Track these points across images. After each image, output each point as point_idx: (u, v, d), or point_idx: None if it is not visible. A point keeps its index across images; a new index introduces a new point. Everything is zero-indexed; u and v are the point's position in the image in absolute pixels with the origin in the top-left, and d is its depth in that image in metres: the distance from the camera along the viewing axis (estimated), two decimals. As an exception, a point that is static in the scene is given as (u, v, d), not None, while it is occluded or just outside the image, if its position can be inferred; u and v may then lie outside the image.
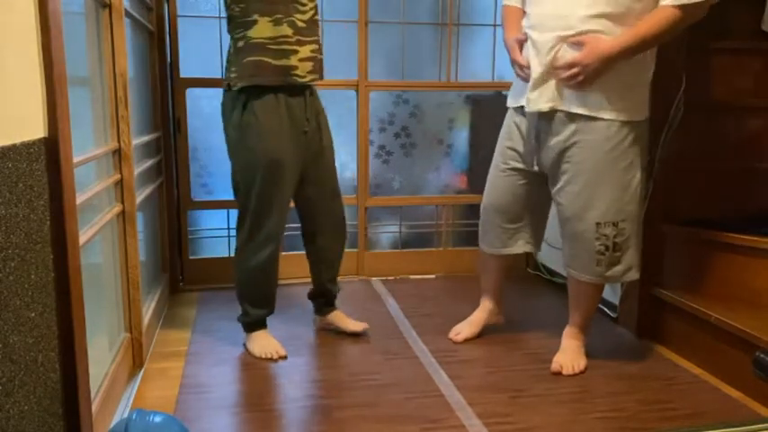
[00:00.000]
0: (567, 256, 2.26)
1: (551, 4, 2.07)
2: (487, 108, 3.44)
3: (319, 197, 2.39)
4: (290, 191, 2.29)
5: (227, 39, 3.10)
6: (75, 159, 1.48)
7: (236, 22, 2.15)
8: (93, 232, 1.74)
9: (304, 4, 2.15)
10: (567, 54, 2.04)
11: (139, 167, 2.36)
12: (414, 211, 3.48)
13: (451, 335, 2.52)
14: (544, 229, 2.46)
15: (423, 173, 3.45)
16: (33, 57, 1.25)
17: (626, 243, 2.15)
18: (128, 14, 2.19)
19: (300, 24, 2.14)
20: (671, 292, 2.44)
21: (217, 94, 3.12)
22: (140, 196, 2.32)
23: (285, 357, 2.33)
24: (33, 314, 1.22)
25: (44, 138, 1.28)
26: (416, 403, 2.02)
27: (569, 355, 2.27)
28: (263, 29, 2.10)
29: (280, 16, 2.10)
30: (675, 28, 2.00)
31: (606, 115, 2.07)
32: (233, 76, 2.16)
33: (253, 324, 2.40)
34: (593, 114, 2.07)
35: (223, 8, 2.24)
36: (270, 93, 2.16)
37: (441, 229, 3.48)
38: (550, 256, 3.09)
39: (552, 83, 2.09)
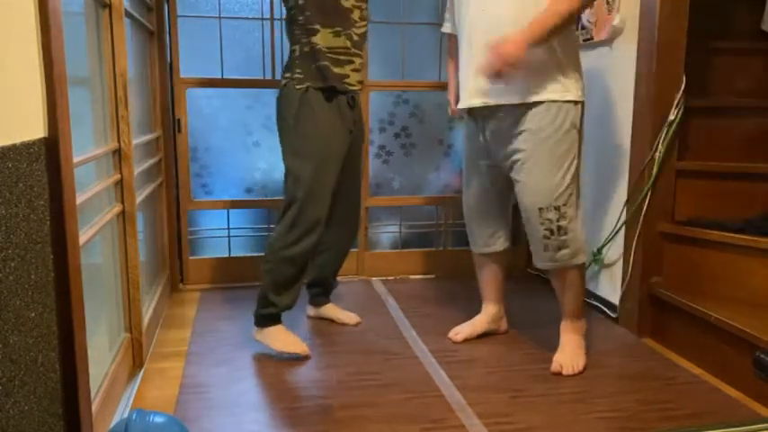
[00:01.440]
0: (531, 248, 2.29)
1: (474, 9, 2.17)
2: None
3: (345, 190, 2.49)
4: (334, 182, 2.36)
5: (227, 39, 3.12)
6: (75, 159, 1.49)
7: (301, 29, 2.27)
8: (93, 232, 1.74)
9: (358, 21, 2.33)
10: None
11: (139, 167, 2.36)
12: (414, 211, 3.48)
13: (451, 334, 2.52)
14: (517, 225, 2.48)
15: (423, 173, 3.45)
16: (33, 57, 1.25)
17: (570, 225, 2.18)
18: (128, 14, 2.20)
19: (356, 38, 2.33)
20: (671, 292, 2.44)
21: (217, 94, 3.15)
22: (140, 196, 2.32)
23: (309, 357, 2.36)
24: (33, 314, 1.22)
25: (44, 138, 1.28)
26: (416, 403, 2.02)
27: (569, 353, 2.27)
28: (325, 38, 2.26)
29: (339, 29, 2.28)
30: (577, 6, 2.04)
31: (538, 98, 2.13)
32: (298, 77, 2.28)
33: (275, 317, 2.37)
34: (526, 101, 2.13)
35: (284, 11, 2.36)
36: (327, 92, 2.30)
37: (441, 229, 3.48)
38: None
39: (482, 78, 2.15)
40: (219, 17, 3.07)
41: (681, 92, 2.42)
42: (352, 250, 3.33)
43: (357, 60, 2.35)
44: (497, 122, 2.22)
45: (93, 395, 1.64)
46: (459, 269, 3.42)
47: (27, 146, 1.19)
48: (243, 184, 3.26)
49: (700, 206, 2.55)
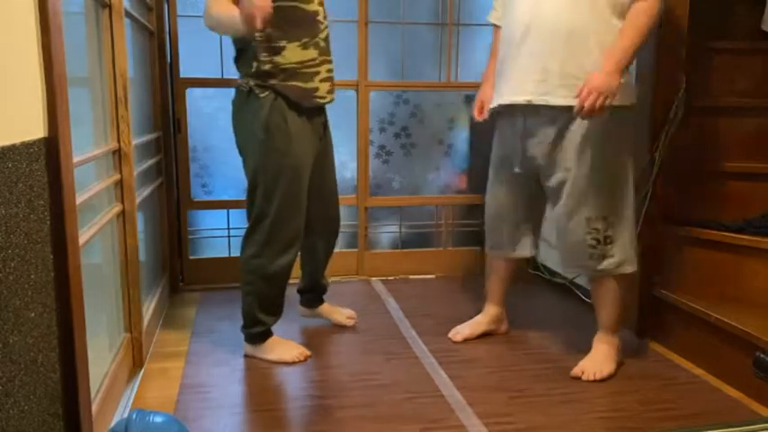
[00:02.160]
0: (564, 257, 2.24)
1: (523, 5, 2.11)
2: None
3: (319, 193, 2.38)
4: (306, 192, 2.26)
5: (227, 39, 3.10)
6: (75, 159, 1.48)
7: (260, 45, 2.07)
8: (93, 232, 1.73)
9: (322, 23, 2.15)
10: (537, 43, 2.05)
11: (139, 167, 2.36)
12: (414, 211, 3.48)
13: (451, 334, 2.52)
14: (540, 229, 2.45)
15: (423, 173, 3.45)
16: (33, 57, 1.25)
17: (618, 235, 2.14)
18: (128, 14, 2.19)
19: (322, 44, 2.16)
20: (671, 292, 2.44)
21: (217, 94, 3.15)
22: (140, 196, 2.32)
23: (310, 356, 2.35)
24: (33, 314, 1.22)
25: (44, 138, 1.28)
26: (416, 403, 2.02)
27: (595, 360, 2.22)
28: (292, 54, 2.09)
29: (306, 40, 2.10)
30: (653, 16, 1.98)
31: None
32: (257, 90, 2.11)
33: (266, 332, 2.32)
34: (571, 104, 2.02)
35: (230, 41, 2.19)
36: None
37: (440, 229, 3.48)
38: (550, 257, 3.08)
39: (527, 76, 2.09)
40: (219, 17, 3.06)
41: (681, 92, 2.42)
42: (353, 250, 3.33)
43: (324, 68, 2.17)
44: (541, 124, 2.13)
45: (93, 395, 1.64)
46: (459, 269, 3.42)
47: (27, 146, 1.19)
48: (243, 184, 3.22)
49: (700, 206, 2.55)
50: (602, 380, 2.17)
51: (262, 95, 2.11)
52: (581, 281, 3.02)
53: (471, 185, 3.50)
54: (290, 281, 2.33)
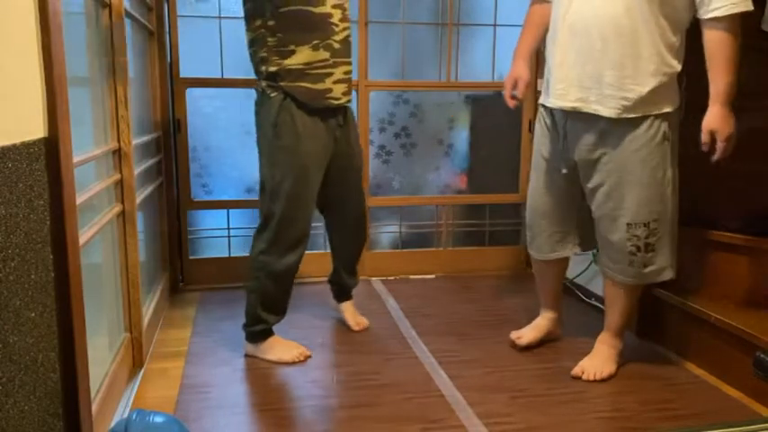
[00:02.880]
0: (601, 257, 2.23)
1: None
2: (487, 108, 3.44)
3: (341, 195, 2.43)
4: (316, 193, 2.29)
5: (227, 39, 3.12)
6: (75, 159, 1.48)
7: (271, 50, 2.13)
8: (93, 232, 1.73)
9: (338, 25, 2.16)
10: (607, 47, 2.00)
11: (139, 167, 2.36)
12: (414, 211, 3.48)
13: (513, 336, 2.44)
14: (593, 228, 2.32)
15: (423, 173, 3.45)
16: (33, 57, 1.25)
17: (659, 243, 2.10)
18: (128, 14, 2.19)
19: (336, 46, 2.16)
20: (671, 292, 2.44)
21: (217, 94, 3.15)
22: (140, 196, 2.32)
23: (310, 356, 2.36)
24: (33, 314, 1.22)
25: (44, 138, 1.28)
26: (416, 403, 2.02)
27: (597, 360, 2.22)
28: (302, 56, 2.12)
29: (317, 42, 2.12)
30: (737, 38, 1.97)
31: (633, 114, 2.01)
32: (268, 90, 2.16)
33: (267, 331, 2.34)
34: (619, 116, 2.01)
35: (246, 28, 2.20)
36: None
37: (441, 229, 3.48)
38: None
39: (579, 79, 2.04)
40: (219, 17, 3.07)
41: (681, 92, 2.42)
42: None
43: (340, 70, 2.18)
44: (582, 128, 2.09)
45: (93, 395, 1.64)
46: (459, 269, 3.42)
47: (27, 146, 1.19)
48: (243, 184, 3.25)
49: (700, 206, 2.55)
50: (602, 380, 2.17)
51: (272, 95, 2.15)
52: (581, 281, 3.02)
53: (471, 185, 3.50)
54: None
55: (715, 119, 1.95)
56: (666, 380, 2.21)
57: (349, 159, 2.39)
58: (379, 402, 2.02)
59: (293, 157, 2.16)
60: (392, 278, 3.35)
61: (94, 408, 1.62)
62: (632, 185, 2.06)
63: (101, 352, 1.89)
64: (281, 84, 2.13)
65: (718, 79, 1.95)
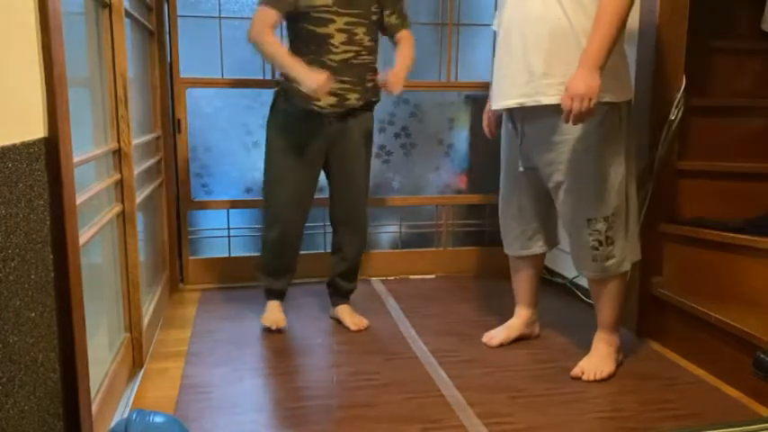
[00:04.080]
0: (572, 256, 2.25)
1: (511, 5, 2.11)
2: (487, 108, 3.44)
3: (339, 197, 2.59)
4: (304, 180, 2.50)
5: (227, 39, 3.13)
6: (75, 159, 1.48)
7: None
8: (93, 232, 1.73)
9: (337, 47, 2.35)
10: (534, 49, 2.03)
11: (139, 167, 2.35)
12: (414, 211, 3.48)
13: (485, 339, 2.48)
14: (556, 227, 2.42)
15: (423, 173, 3.45)
16: (33, 57, 1.25)
17: (616, 235, 2.13)
18: (128, 14, 2.19)
19: (332, 64, 2.35)
20: (671, 292, 2.44)
21: (217, 94, 3.15)
22: (140, 196, 2.32)
23: (281, 330, 2.57)
24: (33, 314, 1.22)
25: (44, 138, 1.28)
26: (416, 403, 2.02)
27: (595, 359, 2.22)
28: None
29: (313, 57, 2.35)
30: (624, 5, 1.92)
31: None
32: (276, 86, 2.51)
33: (267, 292, 2.66)
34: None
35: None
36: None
37: (441, 229, 3.48)
38: (551, 256, 3.09)
39: (516, 77, 2.07)
40: (219, 17, 3.06)
41: (681, 92, 2.42)
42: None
43: (334, 86, 2.33)
44: (536, 125, 2.13)
45: (93, 395, 1.64)
46: (459, 269, 3.42)
47: (27, 146, 1.19)
48: (243, 184, 3.25)
49: (700, 206, 2.55)
50: (602, 380, 2.17)
51: (276, 89, 2.52)
52: (581, 281, 3.02)
53: (471, 185, 3.50)
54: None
55: (578, 81, 1.89)
56: (666, 380, 2.21)
57: (351, 163, 2.54)
58: (379, 402, 2.02)
59: (277, 140, 2.48)
60: (392, 278, 3.35)
61: (94, 408, 1.62)
62: (590, 178, 2.09)
63: (101, 352, 1.89)
64: (281, 81, 2.46)
65: (591, 40, 1.92)
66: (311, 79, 2.20)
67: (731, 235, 2.35)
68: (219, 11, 3.07)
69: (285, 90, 2.42)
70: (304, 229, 2.60)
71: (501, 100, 2.18)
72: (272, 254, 2.59)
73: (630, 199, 2.17)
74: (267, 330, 2.57)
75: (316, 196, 2.58)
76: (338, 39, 2.35)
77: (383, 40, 2.56)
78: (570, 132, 2.07)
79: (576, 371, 2.20)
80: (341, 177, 2.56)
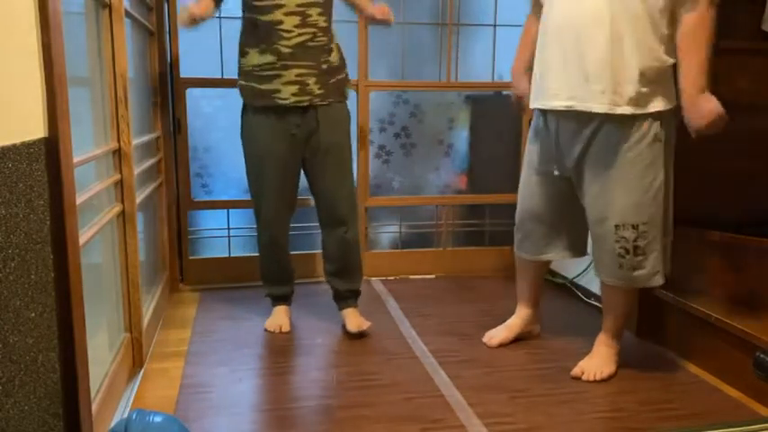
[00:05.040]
0: (595, 260, 2.22)
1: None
2: (487, 108, 3.44)
3: (318, 197, 2.53)
4: (282, 183, 2.46)
5: (227, 39, 3.12)
6: (75, 159, 1.48)
7: (240, 50, 2.44)
8: (93, 232, 1.73)
9: (290, 31, 2.29)
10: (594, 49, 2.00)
11: (139, 167, 2.36)
12: (414, 211, 3.48)
13: (485, 339, 2.47)
14: (586, 233, 2.31)
15: (423, 173, 3.45)
16: (33, 57, 1.25)
17: (648, 247, 2.08)
18: (128, 14, 2.19)
19: (285, 50, 2.30)
20: (671, 292, 2.43)
21: (217, 94, 3.15)
22: (140, 196, 2.32)
23: (286, 332, 2.55)
24: (33, 314, 1.22)
25: (44, 138, 1.28)
26: (416, 403, 2.02)
27: (596, 360, 2.22)
28: (252, 58, 2.37)
29: (264, 46, 2.32)
30: (712, 25, 1.97)
31: (623, 111, 2.00)
32: (238, 89, 2.48)
33: (270, 297, 2.65)
34: (612, 112, 2.00)
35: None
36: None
37: (441, 229, 3.48)
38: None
39: (569, 78, 2.03)
40: (219, 17, 3.06)
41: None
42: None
43: (291, 72, 2.31)
44: (575, 128, 2.09)
45: (93, 395, 1.64)
46: (459, 269, 3.42)
47: (27, 146, 1.19)
48: (243, 185, 3.23)
49: (700, 206, 2.55)
50: (603, 380, 2.17)
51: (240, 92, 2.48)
52: (581, 281, 3.02)
53: (471, 185, 3.50)
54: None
55: (693, 109, 1.98)
56: (666, 380, 2.21)
57: (324, 159, 2.45)
58: (379, 402, 2.02)
59: (247, 148, 2.49)
60: (392, 278, 3.35)
61: (94, 408, 1.62)
62: (619, 187, 2.06)
63: (101, 352, 1.89)
64: (239, 82, 2.44)
65: (692, 64, 1.98)
66: (182, 12, 2.26)
67: (731, 235, 2.35)
68: (219, 11, 3.06)
69: (244, 99, 2.44)
70: (289, 229, 2.59)
71: (548, 99, 2.11)
72: (268, 258, 2.59)
73: (669, 210, 2.13)
74: (268, 331, 2.58)
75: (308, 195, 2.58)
76: (290, 23, 2.28)
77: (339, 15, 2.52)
78: (608, 136, 2.04)
79: (576, 371, 2.20)
80: (317, 176, 2.49)
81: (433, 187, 3.47)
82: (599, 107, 2.01)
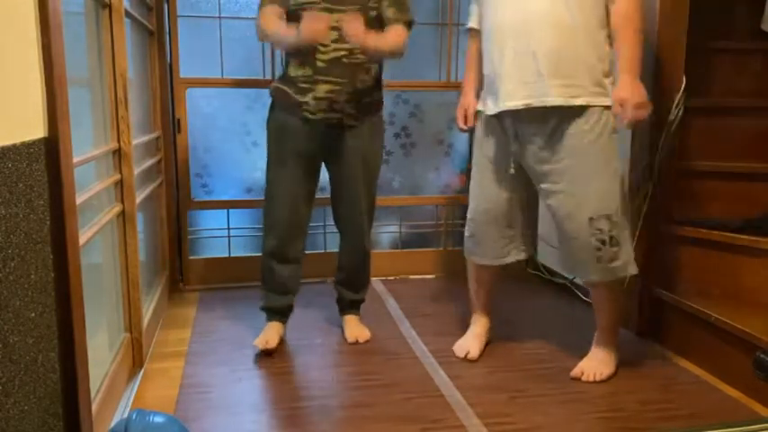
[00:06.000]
0: (568, 261, 2.21)
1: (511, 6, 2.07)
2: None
3: (338, 203, 2.48)
4: (294, 190, 2.37)
5: (227, 39, 3.13)
6: (75, 159, 1.48)
7: (284, 60, 2.44)
8: (93, 232, 1.74)
9: (327, 45, 2.25)
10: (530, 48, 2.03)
11: (139, 167, 2.36)
12: (414, 211, 3.48)
13: (459, 352, 2.38)
14: (536, 230, 2.38)
15: (423, 173, 3.45)
16: (33, 57, 1.25)
17: (621, 236, 2.10)
18: (128, 14, 2.19)
19: (320, 65, 2.27)
20: (671, 292, 2.44)
21: (217, 94, 3.15)
22: (140, 196, 2.32)
23: (269, 353, 2.35)
24: (33, 314, 1.22)
25: (44, 138, 1.28)
26: (416, 403, 2.02)
27: (595, 361, 2.21)
28: (292, 69, 2.35)
29: (303, 58, 2.29)
30: (641, 12, 2.03)
31: (581, 101, 2.02)
32: (271, 90, 2.45)
33: (264, 311, 2.49)
34: (569, 104, 2.02)
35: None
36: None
37: (441, 229, 3.48)
38: (550, 257, 3.08)
39: (522, 76, 2.04)
40: (219, 17, 3.07)
41: (681, 92, 2.42)
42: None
43: (323, 87, 2.26)
44: (534, 125, 2.09)
45: (93, 395, 1.64)
46: (459, 269, 3.41)
47: (27, 146, 1.19)
48: (243, 184, 3.26)
49: (700, 206, 2.55)
50: (602, 381, 2.17)
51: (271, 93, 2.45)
52: (581, 281, 3.02)
53: (471, 185, 3.50)
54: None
55: (624, 88, 1.98)
56: (666, 380, 2.21)
57: (339, 177, 2.42)
58: (379, 402, 2.02)
59: (270, 149, 2.41)
60: (392, 278, 3.35)
61: (94, 408, 1.62)
62: (590, 178, 2.06)
63: (101, 352, 1.90)
64: (274, 83, 2.43)
65: (626, 52, 2.00)
66: (305, 31, 2.09)
67: (731, 235, 2.35)
68: (219, 11, 3.07)
69: (274, 99, 2.39)
70: (304, 247, 2.48)
71: (503, 101, 2.10)
72: (267, 267, 2.45)
73: (625, 202, 2.15)
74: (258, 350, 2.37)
75: (318, 196, 2.49)
76: (328, 37, 2.22)
77: None
78: (569, 130, 2.05)
79: (575, 371, 2.20)
80: (338, 188, 2.45)
81: (433, 187, 3.47)
82: (557, 100, 2.03)
